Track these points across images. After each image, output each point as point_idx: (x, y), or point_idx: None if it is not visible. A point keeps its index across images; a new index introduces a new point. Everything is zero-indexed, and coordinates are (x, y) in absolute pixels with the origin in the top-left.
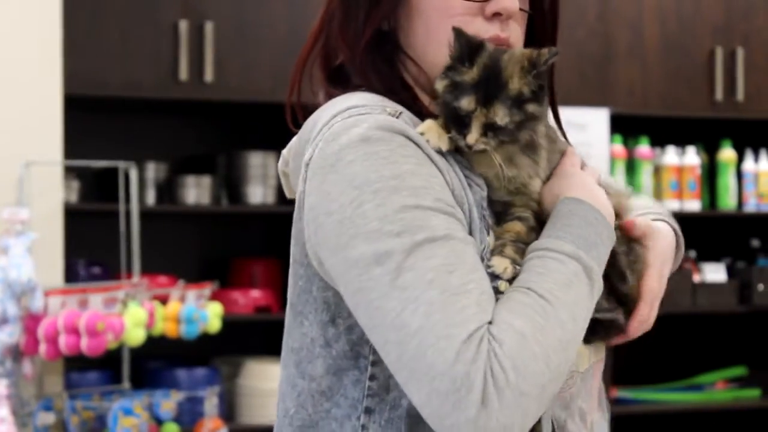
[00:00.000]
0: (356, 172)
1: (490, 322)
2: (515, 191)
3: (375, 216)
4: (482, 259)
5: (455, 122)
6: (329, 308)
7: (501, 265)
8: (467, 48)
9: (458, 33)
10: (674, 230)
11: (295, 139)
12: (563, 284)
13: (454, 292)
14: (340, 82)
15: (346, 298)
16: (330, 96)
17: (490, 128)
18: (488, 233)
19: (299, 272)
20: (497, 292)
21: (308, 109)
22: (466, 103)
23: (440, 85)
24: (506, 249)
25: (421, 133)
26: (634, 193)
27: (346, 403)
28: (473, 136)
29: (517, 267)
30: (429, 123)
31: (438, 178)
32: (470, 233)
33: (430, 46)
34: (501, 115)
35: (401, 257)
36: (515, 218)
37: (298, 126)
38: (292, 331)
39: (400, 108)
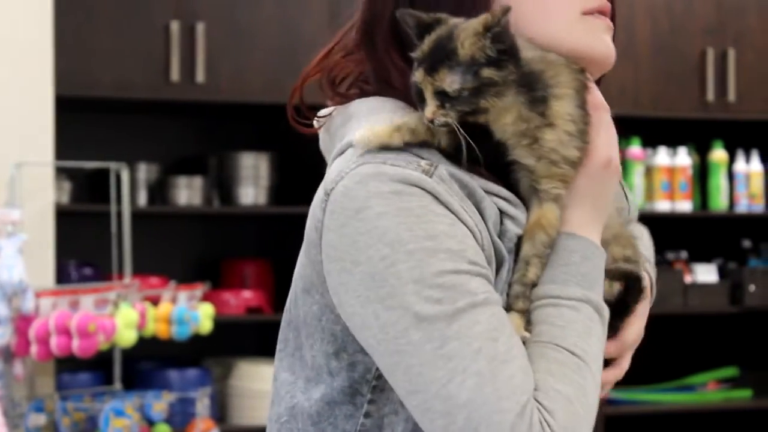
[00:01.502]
0: (387, 228)
1: (535, 388)
2: (532, 152)
3: (410, 278)
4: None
5: (419, 101)
6: (335, 341)
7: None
8: (416, 28)
9: (403, 17)
10: (651, 281)
11: (331, 115)
12: (585, 334)
13: (502, 360)
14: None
15: (377, 353)
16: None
17: (445, 98)
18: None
19: (314, 296)
20: None
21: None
22: (417, 75)
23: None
24: (518, 303)
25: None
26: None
27: None
28: (429, 109)
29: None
30: (360, 132)
31: (471, 238)
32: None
33: (549, 17)
34: (448, 82)
35: (444, 324)
36: (551, 200)
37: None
38: (304, 347)
39: (435, 160)
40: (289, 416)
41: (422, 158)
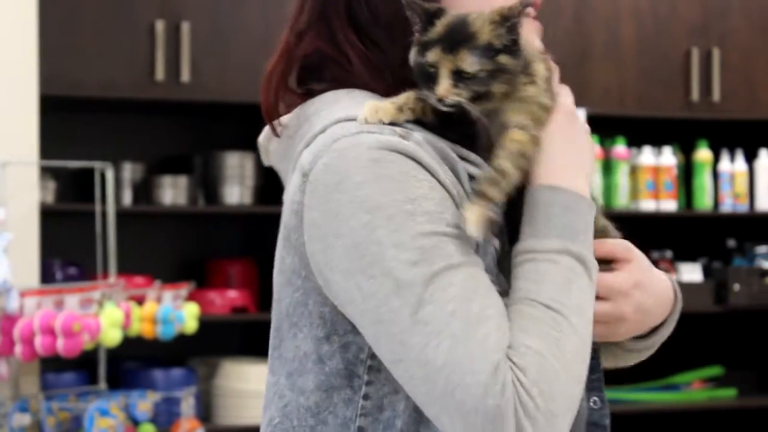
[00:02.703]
0: (367, 195)
1: (509, 347)
2: (508, 98)
3: (390, 243)
4: (498, 263)
5: (426, 81)
6: (325, 324)
7: (471, 217)
8: (425, 14)
9: (408, 3)
10: (675, 290)
11: (285, 119)
12: (563, 286)
13: (476, 320)
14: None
15: (362, 326)
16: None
17: (459, 78)
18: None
19: (296, 283)
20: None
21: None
22: (432, 55)
23: (412, 53)
24: (487, 188)
25: (365, 119)
26: None
27: (336, 421)
28: (443, 86)
29: (493, 214)
30: (367, 104)
31: (450, 201)
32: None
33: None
34: (469, 62)
35: (421, 289)
36: (515, 127)
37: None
38: (285, 341)
39: (409, 126)
40: (282, 416)
41: (396, 126)
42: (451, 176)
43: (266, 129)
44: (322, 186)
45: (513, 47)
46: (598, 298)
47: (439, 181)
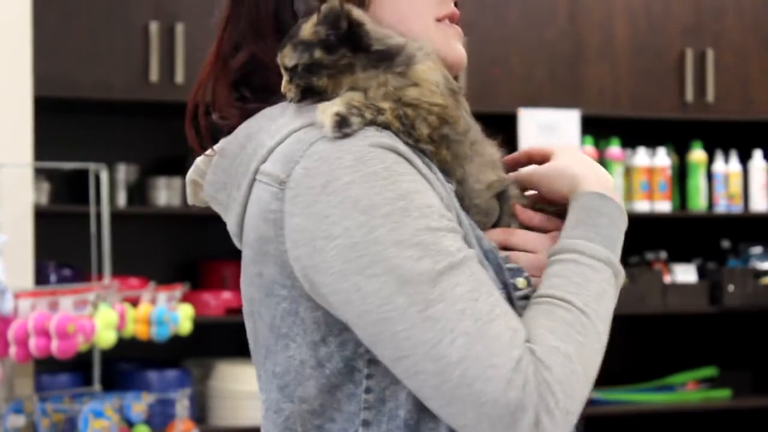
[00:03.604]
0: (359, 195)
1: (528, 340)
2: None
3: (390, 241)
4: (486, 256)
5: None
6: (319, 328)
7: (325, 118)
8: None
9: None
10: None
11: (219, 146)
12: (598, 295)
13: (486, 319)
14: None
15: (360, 326)
16: (249, 107)
17: (291, 74)
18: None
19: (280, 293)
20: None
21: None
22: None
23: None
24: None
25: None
26: None
27: (342, 417)
28: (282, 84)
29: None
30: (320, 109)
31: (432, 191)
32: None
33: (406, 23)
34: (288, 57)
35: (427, 288)
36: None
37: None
38: (273, 355)
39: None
40: (284, 429)
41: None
42: (424, 167)
43: (197, 163)
44: (306, 190)
45: (335, 42)
46: None
47: (418, 170)
